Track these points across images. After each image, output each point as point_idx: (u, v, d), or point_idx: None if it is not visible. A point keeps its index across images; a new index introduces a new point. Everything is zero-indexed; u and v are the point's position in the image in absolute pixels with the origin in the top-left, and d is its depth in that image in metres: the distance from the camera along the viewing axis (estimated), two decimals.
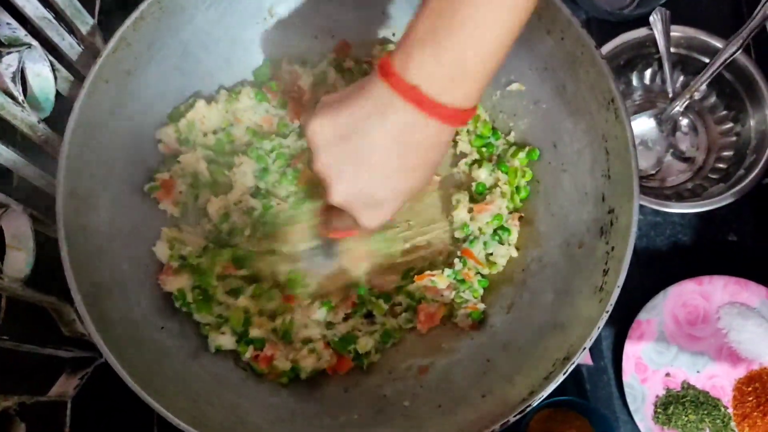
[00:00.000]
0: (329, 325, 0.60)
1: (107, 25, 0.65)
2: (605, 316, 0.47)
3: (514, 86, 0.62)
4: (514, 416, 0.45)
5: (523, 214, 0.63)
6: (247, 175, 0.61)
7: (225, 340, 0.57)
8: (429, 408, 0.53)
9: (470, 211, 0.62)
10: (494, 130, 0.65)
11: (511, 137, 0.64)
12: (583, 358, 0.47)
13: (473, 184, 0.63)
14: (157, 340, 0.53)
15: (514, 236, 0.61)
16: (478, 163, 0.64)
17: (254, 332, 0.57)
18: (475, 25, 0.36)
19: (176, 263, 0.59)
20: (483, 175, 0.63)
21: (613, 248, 0.49)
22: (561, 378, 0.46)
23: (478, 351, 0.56)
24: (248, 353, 0.57)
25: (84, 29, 0.63)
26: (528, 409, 0.45)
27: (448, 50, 0.37)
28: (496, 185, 0.62)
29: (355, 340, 0.58)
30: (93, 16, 0.65)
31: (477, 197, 0.63)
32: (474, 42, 0.37)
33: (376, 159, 0.41)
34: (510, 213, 0.62)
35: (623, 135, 0.50)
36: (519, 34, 0.38)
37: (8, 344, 0.51)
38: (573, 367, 0.46)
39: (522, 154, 0.61)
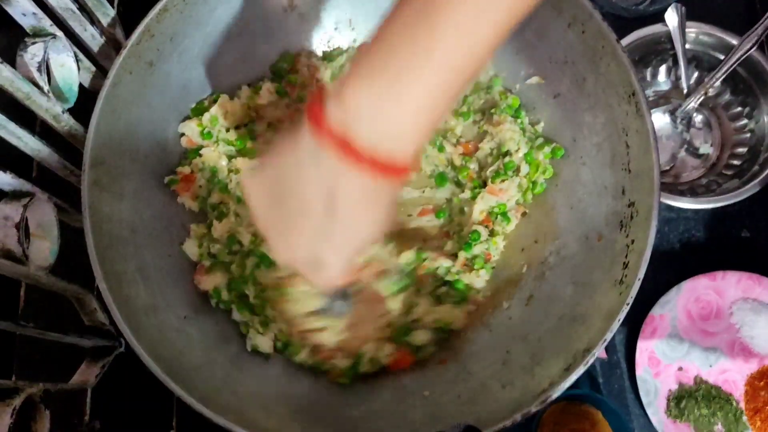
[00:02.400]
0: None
1: (126, 17, 0.66)
2: (626, 309, 0.47)
3: (534, 79, 0.62)
4: (536, 406, 0.46)
5: (527, 210, 0.63)
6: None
7: (263, 342, 0.57)
8: (449, 398, 0.53)
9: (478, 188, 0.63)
10: (519, 109, 0.64)
11: (540, 127, 0.64)
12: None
13: (502, 161, 0.62)
14: (180, 328, 0.54)
15: (511, 227, 0.62)
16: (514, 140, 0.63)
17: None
18: (417, 72, 0.32)
19: (208, 262, 0.59)
20: (520, 152, 0.62)
21: (633, 241, 0.50)
22: (582, 369, 0.46)
23: (497, 342, 0.56)
24: (303, 355, 0.57)
25: (105, 21, 0.64)
26: (548, 399, 0.46)
27: (383, 93, 0.32)
28: (516, 174, 0.62)
29: (410, 332, 0.58)
30: (113, 7, 0.65)
31: (499, 173, 0.62)
32: (414, 91, 0.32)
33: (311, 222, 0.37)
34: (516, 205, 0.63)
35: (644, 128, 0.50)
36: (463, 87, 0.34)
37: (32, 332, 0.51)
38: (593, 358, 0.46)
39: (547, 149, 0.61)
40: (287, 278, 0.57)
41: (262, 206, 0.39)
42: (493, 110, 0.65)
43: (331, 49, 0.67)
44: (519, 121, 0.63)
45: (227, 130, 0.63)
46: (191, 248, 0.60)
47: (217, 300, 0.59)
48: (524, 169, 0.62)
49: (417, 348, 0.58)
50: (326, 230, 0.37)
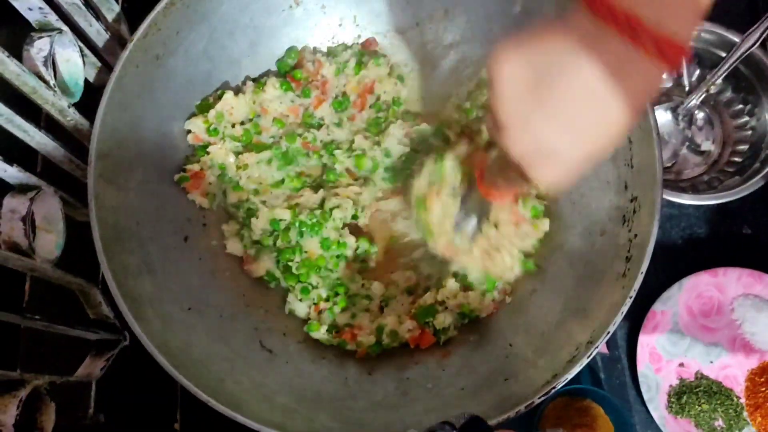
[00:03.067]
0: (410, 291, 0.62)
1: (131, 13, 0.66)
2: (629, 302, 0.47)
3: None
4: (539, 398, 0.46)
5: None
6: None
7: (300, 308, 0.60)
8: (452, 390, 0.54)
9: None
10: None
11: None
12: (599, 346, 0.47)
13: None
14: (185, 320, 0.54)
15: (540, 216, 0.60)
16: None
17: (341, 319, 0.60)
18: None
19: (252, 250, 0.61)
20: None
21: (636, 235, 0.50)
22: (585, 361, 0.46)
23: (500, 336, 0.57)
24: (321, 331, 0.59)
25: (110, 16, 0.64)
26: (552, 391, 0.46)
27: None
28: None
29: (434, 314, 0.59)
30: (118, 3, 0.65)
31: None
32: None
33: (573, 107, 0.34)
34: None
35: (646, 124, 0.50)
36: None
37: (39, 324, 0.51)
38: (596, 350, 0.47)
39: None
40: (431, 192, 0.55)
41: (514, 92, 0.36)
42: None
43: (336, 44, 0.68)
44: None
45: (233, 126, 0.63)
46: (234, 246, 0.62)
47: (271, 281, 0.61)
48: None
49: (438, 330, 0.59)
50: (587, 124, 0.34)
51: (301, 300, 0.60)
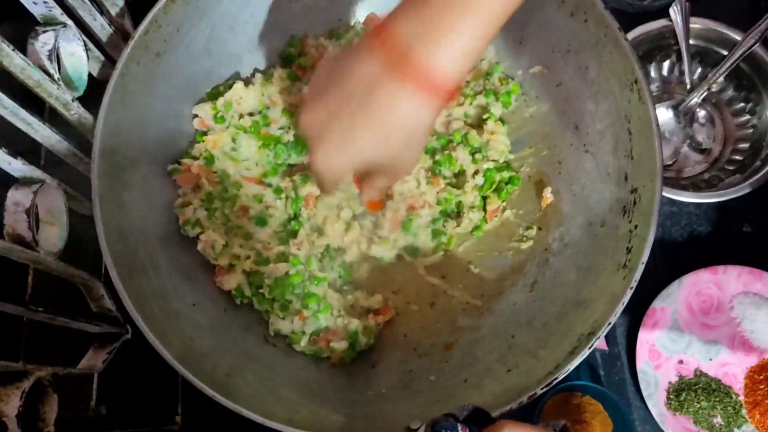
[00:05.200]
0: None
1: (135, 7, 0.66)
2: (630, 292, 0.47)
3: (536, 68, 0.63)
4: (541, 389, 0.46)
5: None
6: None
7: (284, 326, 0.58)
8: (455, 382, 0.54)
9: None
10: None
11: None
12: (599, 343, 0.47)
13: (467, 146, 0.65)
14: (189, 316, 0.54)
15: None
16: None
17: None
18: (468, 5, 0.36)
19: (225, 262, 0.59)
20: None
21: (636, 226, 0.50)
22: (587, 352, 0.46)
23: (502, 328, 0.57)
24: (303, 343, 0.58)
25: (113, 11, 0.64)
26: (554, 381, 0.46)
27: (437, 17, 0.36)
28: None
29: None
30: None
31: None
32: (465, 22, 0.36)
33: (343, 109, 0.41)
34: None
35: (646, 115, 0.50)
36: (507, 18, 0.38)
37: (42, 316, 0.52)
38: (598, 341, 0.47)
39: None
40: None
41: (317, 84, 0.44)
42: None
43: (339, 25, 0.67)
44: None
45: (240, 117, 0.62)
46: (208, 252, 0.59)
47: (240, 298, 0.59)
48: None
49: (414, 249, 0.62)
50: (348, 121, 0.40)
51: (283, 318, 0.58)
